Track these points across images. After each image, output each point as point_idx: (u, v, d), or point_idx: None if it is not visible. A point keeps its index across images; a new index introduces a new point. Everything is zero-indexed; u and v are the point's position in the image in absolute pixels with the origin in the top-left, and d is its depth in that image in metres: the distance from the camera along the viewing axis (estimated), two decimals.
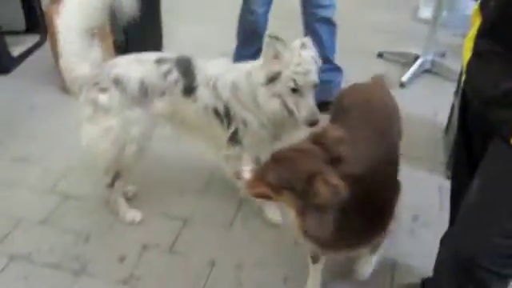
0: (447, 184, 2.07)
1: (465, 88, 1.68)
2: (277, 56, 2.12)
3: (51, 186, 2.81)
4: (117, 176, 2.46)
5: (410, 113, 3.40)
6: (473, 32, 1.54)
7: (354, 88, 2.31)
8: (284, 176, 1.62)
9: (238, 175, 1.82)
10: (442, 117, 3.29)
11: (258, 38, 3.33)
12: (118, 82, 2.21)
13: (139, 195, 2.75)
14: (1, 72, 3.91)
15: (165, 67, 2.28)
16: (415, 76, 3.91)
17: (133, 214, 2.59)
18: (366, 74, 2.45)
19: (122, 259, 2.37)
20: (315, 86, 2.16)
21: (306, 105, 2.15)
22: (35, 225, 2.56)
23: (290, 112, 2.19)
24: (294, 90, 2.13)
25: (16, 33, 4.20)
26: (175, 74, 2.28)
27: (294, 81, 2.11)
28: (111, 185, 2.49)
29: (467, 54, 1.56)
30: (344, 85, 3.27)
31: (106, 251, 2.41)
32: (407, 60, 4.08)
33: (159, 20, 4.12)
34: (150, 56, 2.33)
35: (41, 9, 4.18)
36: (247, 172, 1.71)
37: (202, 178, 2.88)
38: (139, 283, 2.27)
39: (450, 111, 3.16)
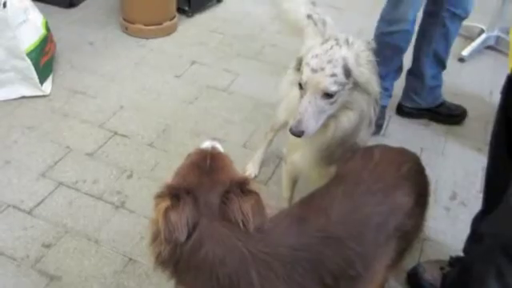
0: None
1: None
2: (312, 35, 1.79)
3: (102, 122, 2.92)
4: None
5: (465, 89, 3.35)
6: None
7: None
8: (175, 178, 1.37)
9: None
10: (498, 96, 3.19)
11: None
12: None
13: None
14: (69, 5, 4.02)
15: None
16: (477, 51, 3.76)
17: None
18: None
19: None
20: (325, 94, 1.63)
21: (298, 108, 1.66)
22: (83, 156, 2.69)
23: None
24: (300, 86, 1.68)
25: None
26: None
27: (302, 74, 1.67)
28: None
29: None
30: None
31: (146, 190, 2.51)
32: (470, 34, 3.91)
33: None
34: None
35: None
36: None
37: None
38: None
39: None
